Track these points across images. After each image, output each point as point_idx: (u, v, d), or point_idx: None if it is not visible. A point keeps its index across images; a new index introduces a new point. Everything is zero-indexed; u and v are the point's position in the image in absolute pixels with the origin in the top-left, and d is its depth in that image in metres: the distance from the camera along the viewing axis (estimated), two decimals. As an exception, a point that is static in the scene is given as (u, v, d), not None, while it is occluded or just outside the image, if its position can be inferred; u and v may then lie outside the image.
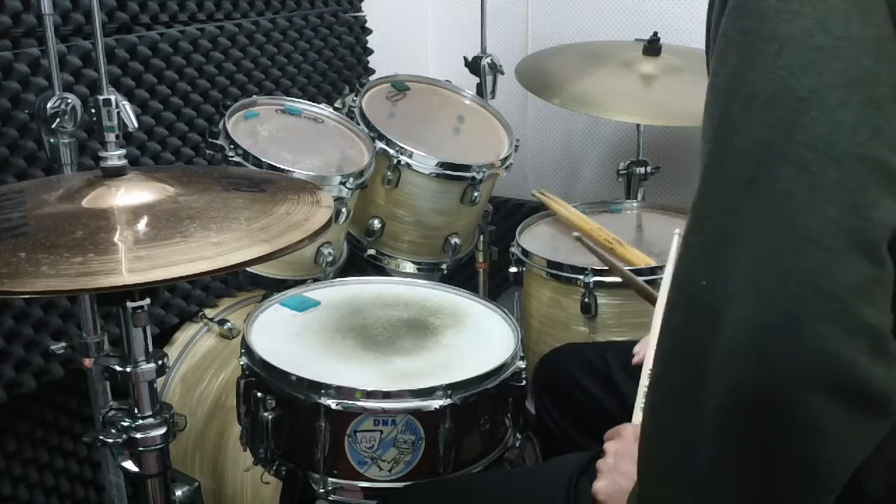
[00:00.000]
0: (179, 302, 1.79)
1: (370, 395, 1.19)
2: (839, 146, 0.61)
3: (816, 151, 0.61)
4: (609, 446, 0.99)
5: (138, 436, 1.14)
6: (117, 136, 1.38)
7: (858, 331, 0.59)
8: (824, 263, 0.60)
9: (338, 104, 2.07)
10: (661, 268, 1.63)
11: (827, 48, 0.62)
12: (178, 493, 1.56)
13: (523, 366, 1.31)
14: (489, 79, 2.18)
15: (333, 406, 1.18)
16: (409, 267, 1.93)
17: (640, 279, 1.49)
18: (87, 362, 1.50)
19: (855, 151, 0.61)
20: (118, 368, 1.14)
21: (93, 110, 1.37)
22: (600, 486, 0.95)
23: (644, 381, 1.11)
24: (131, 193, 1.08)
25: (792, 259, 0.60)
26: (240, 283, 1.89)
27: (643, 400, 1.08)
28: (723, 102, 0.67)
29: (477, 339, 1.38)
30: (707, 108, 0.69)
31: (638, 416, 1.06)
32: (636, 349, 1.33)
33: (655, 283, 1.50)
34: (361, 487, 1.22)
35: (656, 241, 1.87)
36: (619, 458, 0.96)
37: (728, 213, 0.65)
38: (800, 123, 0.62)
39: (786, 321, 0.60)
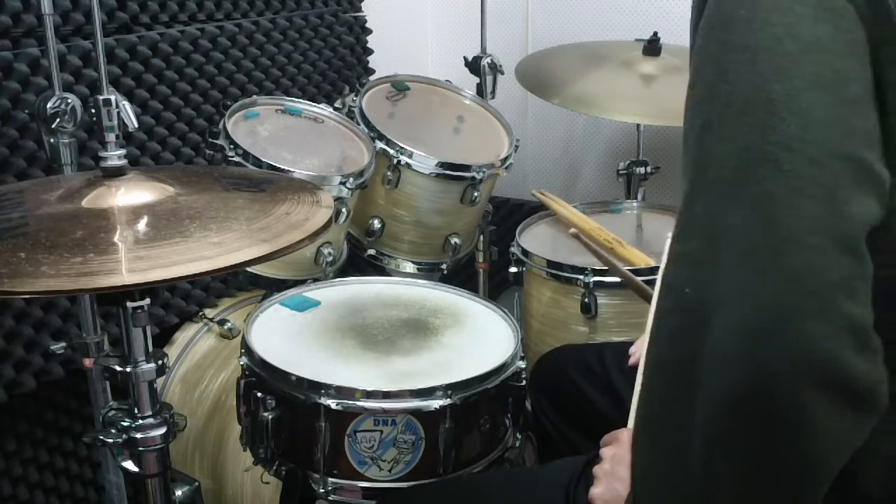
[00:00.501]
0: (179, 302, 1.79)
1: (370, 395, 1.19)
2: (814, 145, 0.62)
3: (790, 151, 0.62)
4: (606, 451, 0.98)
5: (138, 436, 1.14)
6: (117, 136, 1.38)
7: (843, 326, 0.60)
8: (806, 261, 0.61)
9: (338, 104, 2.07)
10: (658, 268, 1.64)
11: (796, 53, 0.64)
12: (178, 493, 1.56)
13: (523, 366, 1.31)
14: (489, 79, 2.18)
15: (333, 406, 1.19)
16: (409, 267, 1.93)
17: (628, 271, 1.49)
18: (87, 362, 1.50)
19: (829, 150, 0.63)
20: (118, 368, 1.14)
21: (93, 110, 1.37)
22: (597, 492, 0.94)
23: (639, 385, 1.11)
24: (131, 193, 1.08)
25: (775, 259, 0.61)
26: (240, 283, 1.89)
27: (637, 403, 1.08)
28: (701, 113, 0.69)
29: (477, 339, 1.38)
30: (687, 119, 0.71)
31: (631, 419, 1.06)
32: (632, 350, 1.33)
33: (653, 284, 1.50)
34: (361, 487, 1.22)
35: (656, 241, 1.87)
36: (616, 463, 0.96)
37: (711, 218, 0.66)
38: (771, 125, 0.63)
39: (772, 320, 0.61)
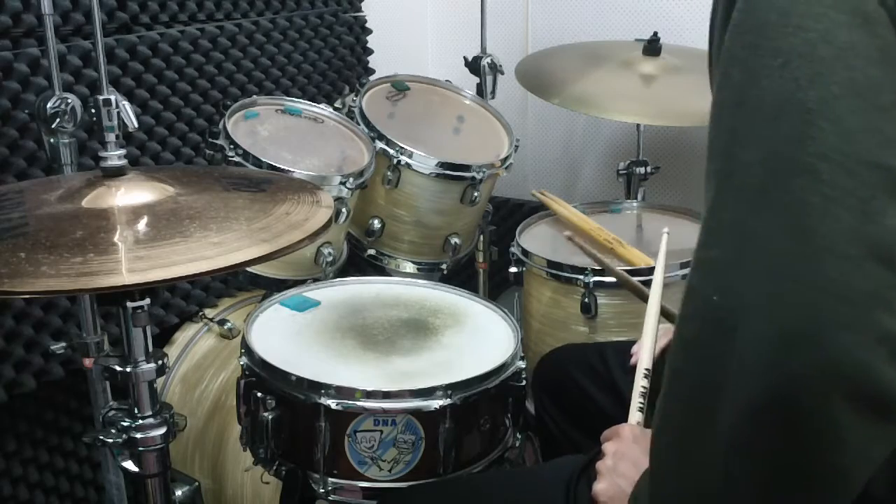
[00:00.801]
0: (179, 302, 1.79)
1: (370, 395, 1.19)
2: (850, 154, 0.61)
3: (828, 160, 0.61)
4: (608, 447, 0.99)
5: (138, 436, 1.14)
6: (117, 136, 1.38)
7: (879, 338, 0.60)
8: (842, 272, 0.60)
9: (338, 104, 2.07)
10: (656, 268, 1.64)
11: (831, 59, 0.63)
12: (178, 493, 1.56)
13: (523, 366, 1.31)
14: (489, 79, 2.18)
15: (333, 406, 1.18)
16: (409, 267, 1.93)
17: (623, 271, 1.49)
18: (87, 362, 1.50)
19: (865, 159, 0.62)
20: (118, 368, 1.14)
21: (93, 110, 1.37)
22: (600, 487, 0.95)
23: (639, 382, 1.11)
24: (131, 193, 1.08)
25: (809, 268, 0.60)
26: (240, 283, 1.89)
27: (640, 400, 1.08)
28: (729, 118, 0.67)
29: (477, 339, 1.38)
30: (713, 125, 0.70)
31: (634, 416, 1.06)
32: (633, 349, 1.33)
33: (650, 284, 1.50)
34: (361, 487, 1.22)
35: (656, 241, 1.86)
36: (619, 459, 0.96)
37: (740, 226, 0.65)
38: (810, 134, 0.62)
39: (806, 330, 0.60)
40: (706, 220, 0.68)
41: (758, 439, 0.63)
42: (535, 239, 1.87)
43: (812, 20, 0.64)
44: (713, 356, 0.65)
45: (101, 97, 1.36)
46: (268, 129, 1.75)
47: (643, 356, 1.14)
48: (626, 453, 0.96)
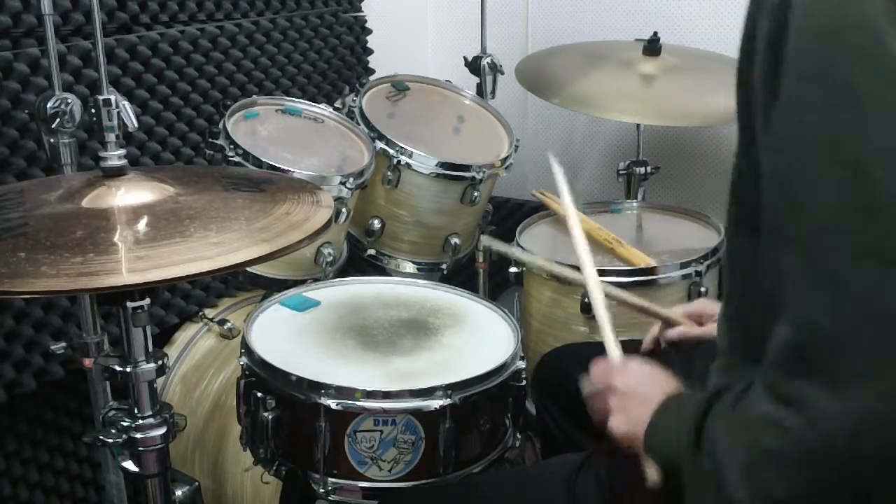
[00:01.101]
0: (179, 302, 1.79)
1: (370, 395, 1.19)
2: None
3: None
4: (617, 381, 0.96)
5: (138, 436, 1.14)
6: (117, 136, 1.38)
7: None
8: None
9: (338, 104, 2.07)
10: (658, 268, 1.65)
11: None
12: (178, 493, 1.56)
13: (523, 366, 1.31)
14: (489, 79, 2.18)
15: (333, 406, 1.19)
16: (409, 267, 1.93)
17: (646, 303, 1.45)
18: (87, 362, 1.50)
19: None
20: (118, 368, 1.14)
21: (93, 110, 1.37)
22: (616, 423, 0.92)
23: (604, 319, 1.09)
24: (131, 193, 1.08)
25: None
26: (240, 283, 1.89)
27: (611, 336, 1.05)
28: (808, 159, 0.64)
29: (477, 339, 1.38)
30: (778, 165, 0.67)
31: (615, 353, 1.04)
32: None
33: (653, 285, 1.51)
34: (361, 487, 1.22)
35: (656, 240, 1.87)
36: (630, 399, 0.93)
37: (835, 278, 0.63)
38: None
39: None
40: (792, 277, 0.66)
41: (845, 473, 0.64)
42: (535, 239, 1.87)
43: (882, 36, 0.61)
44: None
45: (101, 97, 1.37)
46: (268, 129, 1.75)
47: (597, 299, 1.13)
48: (635, 389, 0.93)
